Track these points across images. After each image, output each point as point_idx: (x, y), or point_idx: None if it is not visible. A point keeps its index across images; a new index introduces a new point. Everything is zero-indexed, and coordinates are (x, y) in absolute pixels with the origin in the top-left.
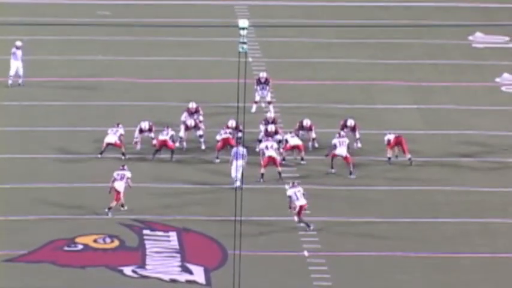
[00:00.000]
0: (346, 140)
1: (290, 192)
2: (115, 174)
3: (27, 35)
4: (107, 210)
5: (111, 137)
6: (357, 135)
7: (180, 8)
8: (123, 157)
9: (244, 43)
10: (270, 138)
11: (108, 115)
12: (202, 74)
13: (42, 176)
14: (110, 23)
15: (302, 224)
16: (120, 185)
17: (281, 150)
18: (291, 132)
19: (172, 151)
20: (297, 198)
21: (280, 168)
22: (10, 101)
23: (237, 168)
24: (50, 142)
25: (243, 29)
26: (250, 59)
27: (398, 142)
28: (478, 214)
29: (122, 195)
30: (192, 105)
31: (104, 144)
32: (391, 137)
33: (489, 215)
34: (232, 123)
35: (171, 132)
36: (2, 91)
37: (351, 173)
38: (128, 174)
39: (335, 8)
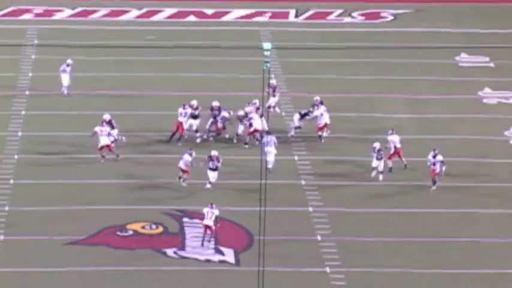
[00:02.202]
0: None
1: (205, 210)
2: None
3: (89, 55)
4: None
5: (104, 140)
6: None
7: (214, 33)
8: (101, 158)
9: (267, 62)
10: None
11: (152, 122)
12: (233, 88)
13: (98, 174)
14: (155, 46)
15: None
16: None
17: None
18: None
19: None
20: (206, 218)
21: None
22: (70, 110)
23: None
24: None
25: (267, 50)
26: (272, 76)
27: (396, 153)
28: (462, 205)
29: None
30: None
31: (99, 148)
32: (392, 138)
33: (471, 206)
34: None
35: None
36: (61, 101)
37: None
38: (189, 158)
39: (343, 33)
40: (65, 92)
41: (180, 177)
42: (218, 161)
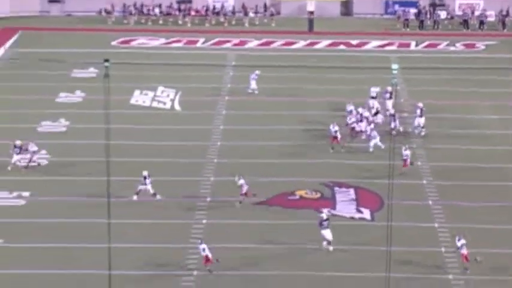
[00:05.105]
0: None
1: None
2: None
3: (271, 72)
4: None
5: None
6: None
7: (358, 57)
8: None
9: (395, 78)
10: None
11: (313, 120)
12: (365, 95)
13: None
14: (320, 66)
15: None
16: None
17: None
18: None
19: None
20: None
21: None
22: (257, 110)
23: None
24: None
25: (395, 70)
26: (398, 87)
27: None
28: (458, 177)
29: None
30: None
31: None
32: (407, 152)
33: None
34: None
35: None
36: (250, 104)
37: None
38: None
39: (449, 58)
40: (249, 91)
41: None
42: None
